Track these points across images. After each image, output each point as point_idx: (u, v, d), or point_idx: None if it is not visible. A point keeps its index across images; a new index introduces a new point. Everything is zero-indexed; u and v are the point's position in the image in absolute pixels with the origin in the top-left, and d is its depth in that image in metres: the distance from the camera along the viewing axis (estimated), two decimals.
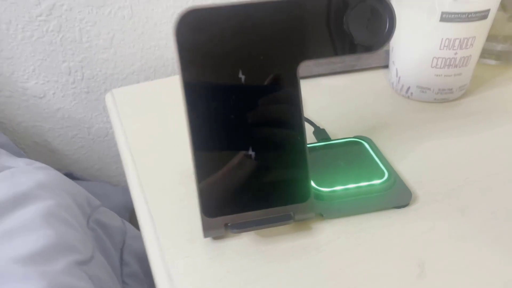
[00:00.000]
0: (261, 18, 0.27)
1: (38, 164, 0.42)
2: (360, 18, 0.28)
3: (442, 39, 0.39)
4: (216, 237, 0.30)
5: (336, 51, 0.28)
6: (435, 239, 0.29)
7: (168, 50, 0.54)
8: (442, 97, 0.43)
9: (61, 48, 0.49)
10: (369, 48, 0.29)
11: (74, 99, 0.53)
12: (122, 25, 0.50)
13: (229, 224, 0.29)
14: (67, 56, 0.50)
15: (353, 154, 0.36)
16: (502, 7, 0.50)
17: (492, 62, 0.50)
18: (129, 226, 0.49)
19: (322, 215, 0.31)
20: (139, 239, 0.49)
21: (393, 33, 0.28)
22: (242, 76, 0.28)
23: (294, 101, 0.28)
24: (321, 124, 0.41)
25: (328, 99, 0.45)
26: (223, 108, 0.28)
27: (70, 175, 0.56)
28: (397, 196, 0.32)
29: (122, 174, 0.62)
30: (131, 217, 0.58)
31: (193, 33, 0.27)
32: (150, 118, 0.44)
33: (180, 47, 0.26)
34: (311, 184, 0.29)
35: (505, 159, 0.36)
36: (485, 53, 0.50)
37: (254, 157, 0.29)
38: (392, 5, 0.28)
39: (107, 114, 0.56)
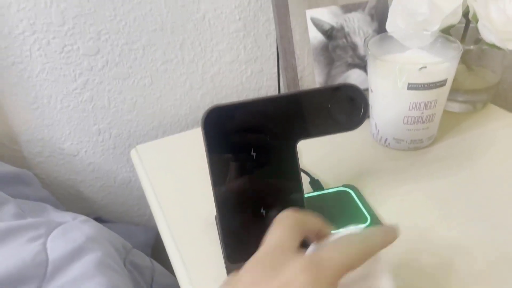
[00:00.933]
0: (266, 110, 0.36)
1: (81, 217, 0.50)
2: (340, 106, 0.37)
3: (410, 102, 0.48)
4: None
5: (325, 132, 0.37)
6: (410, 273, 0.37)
7: (181, 108, 0.63)
8: (414, 146, 0.52)
9: (93, 114, 0.58)
10: (350, 128, 0.37)
11: (102, 155, 0.62)
12: (143, 91, 0.59)
13: None
14: (97, 120, 0.58)
15: (342, 202, 0.44)
16: (464, 61, 0.60)
17: (456, 109, 0.60)
18: (156, 264, 0.57)
19: None
20: (165, 275, 0.57)
21: (367, 115, 0.37)
22: (253, 154, 0.36)
23: (294, 170, 0.37)
24: (315, 173, 0.49)
25: (320, 150, 0.54)
26: (240, 178, 0.36)
27: (99, 219, 0.64)
28: None
29: (143, 215, 0.71)
30: (153, 252, 0.66)
31: (215, 123, 0.35)
32: (172, 169, 0.53)
33: (206, 134, 0.35)
34: None
35: (468, 199, 0.44)
36: (450, 101, 0.60)
37: (265, 215, 0.37)
38: (364, 93, 0.37)
39: (130, 165, 0.65)
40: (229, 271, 0.37)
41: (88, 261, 0.42)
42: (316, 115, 0.37)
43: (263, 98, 0.36)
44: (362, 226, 0.41)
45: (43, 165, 0.59)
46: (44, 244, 0.42)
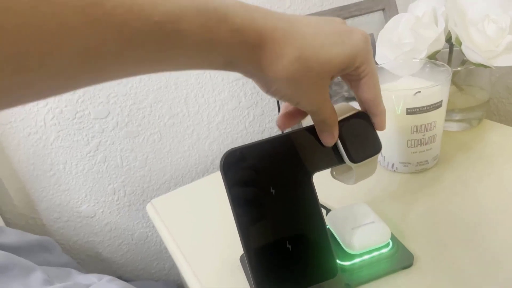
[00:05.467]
0: (279, 148, 0.38)
1: (106, 277, 0.51)
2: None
3: (411, 126, 0.51)
4: None
5: (336, 163, 0.39)
6: None
7: (191, 159, 0.65)
8: (420, 168, 0.54)
9: (107, 174, 0.60)
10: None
11: (118, 213, 0.63)
12: (153, 146, 0.61)
13: None
14: (111, 179, 0.60)
15: None
16: (453, 83, 0.63)
17: (454, 128, 0.62)
18: None
19: (349, 285, 0.40)
20: None
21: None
22: (273, 191, 0.38)
23: (314, 202, 0.39)
24: (331, 205, 0.51)
25: (331, 183, 0.55)
26: (263, 216, 0.38)
27: (120, 278, 0.64)
28: (402, 259, 0.41)
29: (161, 269, 0.70)
30: None
31: (233, 165, 0.37)
32: (188, 218, 0.54)
33: (225, 176, 0.37)
34: (336, 262, 0.39)
35: (481, 214, 0.46)
36: (447, 121, 0.62)
37: (291, 249, 0.38)
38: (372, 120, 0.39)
39: (145, 220, 0.65)
40: None
41: None
42: (323, 149, 0.39)
43: (274, 137, 0.38)
44: (386, 249, 0.42)
45: (62, 230, 0.60)
46: None
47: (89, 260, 0.63)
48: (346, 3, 0.63)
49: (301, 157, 0.38)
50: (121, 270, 0.67)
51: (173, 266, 0.72)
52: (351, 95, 0.64)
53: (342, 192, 0.54)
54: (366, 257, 0.41)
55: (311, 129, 0.39)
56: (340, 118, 0.39)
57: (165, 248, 0.70)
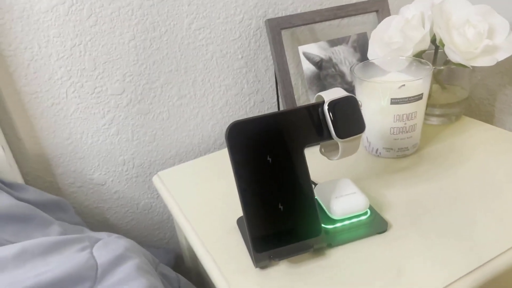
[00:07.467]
0: (278, 122, 0.44)
1: (115, 235, 0.56)
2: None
3: (394, 115, 0.57)
4: (263, 266, 0.45)
5: (325, 138, 0.45)
6: (406, 253, 0.44)
7: (195, 138, 0.71)
8: (401, 153, 0.60)
9: (118, 146, 0.65)
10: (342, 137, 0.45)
11: (127, 183, 0.69)
12: (162, 124, 0.67)
13: (271, 256, 0.44)
14: (122, 151, 0.66)
15: None
16: (437, 81, 0.69)
17: (434, 122, 0.69)
18: (180, 277, 0.63)
19: (331, 244, 0.46)
20: (190, 286, 0.62)
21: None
22: (269, 159, 0.44)
23: (304, 171, 0.45)
24: (319, 181, 0.57)
25: (321, 163, 0.62)
26: (260, 180, 0.44)
27: None
28: (378, 226, 0.48)
29: (162, 238, 0.76)
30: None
31: (236, 136, 0.43)
32: (191, 189, 0.60)
33: (230, 145, 0.43)
34: (321, 224, 0.45)
35: (448, 195, 0.52)
36: (429, 115, 0.69)
37: (283, 210, 0.44)
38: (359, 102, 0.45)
39: (151, 192, 0.71)
40: (256, 259, 0.44)
41: (129, 266, 0.48)
42: (316, 124, 0.45)
43: (273, 113, 0.44)
44: (364, 217, 0.48)
45: (75, 194, 0.66)
46: (91, 253, 0.48)
47: (97, 224, 0.69)
48: (344, 3, 0.69)
49: (294, 131, 0.45)
50: (125, 236, 0.72)
51: (173, 236, 0.78)
52: (343, 87, 0.70)
53: (330, 172, 0.60)
54: (346, 222, 0.47)
55: (304, 108, 0.45)
56: (332, 99, 0.45)
57: (167, 219, 0.76)
